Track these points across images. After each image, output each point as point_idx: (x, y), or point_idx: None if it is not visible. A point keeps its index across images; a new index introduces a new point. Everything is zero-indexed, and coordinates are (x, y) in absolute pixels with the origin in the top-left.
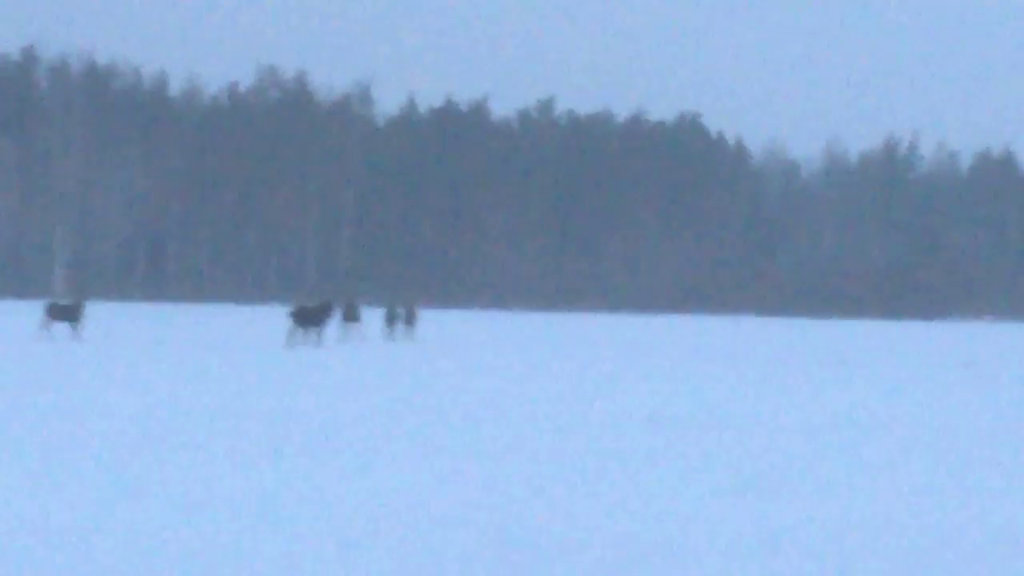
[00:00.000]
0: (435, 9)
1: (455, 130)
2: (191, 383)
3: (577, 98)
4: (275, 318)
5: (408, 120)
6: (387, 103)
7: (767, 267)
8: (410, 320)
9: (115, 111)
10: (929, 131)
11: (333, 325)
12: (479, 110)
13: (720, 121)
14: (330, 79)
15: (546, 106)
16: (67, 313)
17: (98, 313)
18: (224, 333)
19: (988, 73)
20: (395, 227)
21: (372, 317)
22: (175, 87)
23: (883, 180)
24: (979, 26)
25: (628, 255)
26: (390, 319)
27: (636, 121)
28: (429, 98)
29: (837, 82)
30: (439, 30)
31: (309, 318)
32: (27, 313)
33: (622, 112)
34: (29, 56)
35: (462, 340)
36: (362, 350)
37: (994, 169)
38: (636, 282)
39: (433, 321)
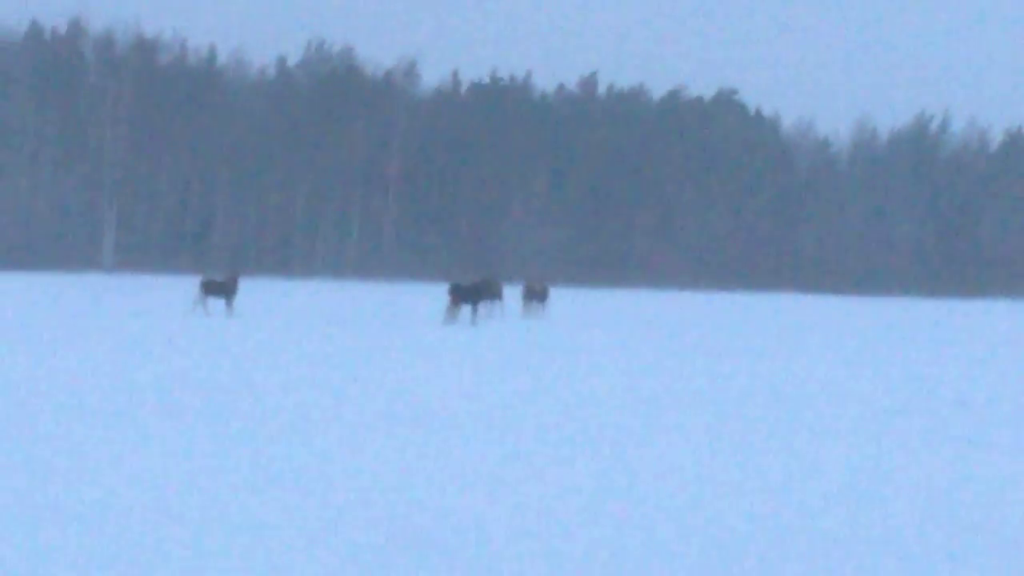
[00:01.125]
0: None
1: (498, 105)
2: (372, 359)
3: (617, 73)
4: (379, 294)
5: (452, 95)
6: (431, 78)
7: (802, 244)
8: (543, 297)
9: (163, 84)
10: (960, 108)
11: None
12: (523, 86)
13: (756, 97)
14: (376, 54)
15: (588, 82)
16: (222, 288)
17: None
18: (347, 309)
19: (1019, 50)
20: (438, 202)
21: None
22: (222, 60)
23: (913, 158)
24: (1009, 3)
25: (664, 230)
26: (528, 296)
27: (674, 96)
28: (473, 73)
29: (867, 60)
30: (483, 6)
31: (466, 295)
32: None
33: (661, 87)
34: (76, 29)
35: (594, 318)
36: (510, 325)
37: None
38: (672, 258)
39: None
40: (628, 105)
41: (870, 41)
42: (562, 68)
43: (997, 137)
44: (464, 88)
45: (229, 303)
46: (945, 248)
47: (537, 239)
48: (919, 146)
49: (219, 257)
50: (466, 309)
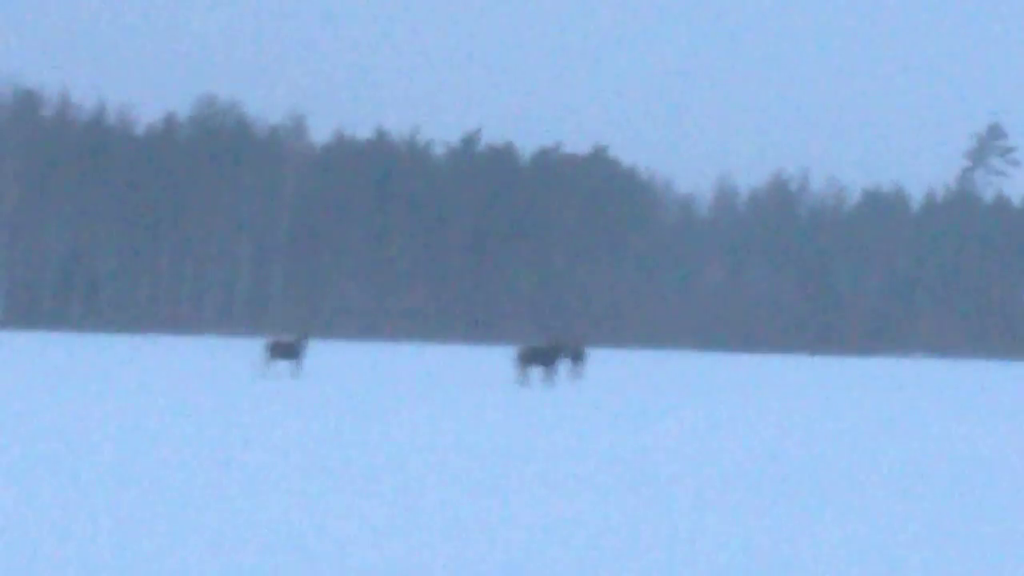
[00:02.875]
0: (365, 41)
1: (386, 161)
2: (459, 420)
3: (500, 130)
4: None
5: (338, 152)
6: (320, 134)
7: (676, 300)
8: (578, 358)
9: (49, 139)
10: (818, 166)
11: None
12: (408, 141)
13: (628, 154)
14: (264, 110)
15: (470, 139)
16: (289, 351)
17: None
18: (405, 370)
19: (878, 109)
20: (326, 258)
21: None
22: (110, 115)
23: (772, 215)
24: (867, 63)
25: (544, 287)
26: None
27: (552, 153)
28: (362, 129)
29: (728, 118)
30: (370, 63)
31: (541, 357)
32: None
33: (535, 144)
34: None
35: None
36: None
37: (883, 205)
38: (548, 313)
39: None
40: (504, 162)
41: (733, 99)
42: (446, 124)
43: (855, 195)
44: (353, 143)
45: (296, 365)
46: (804, 304)
47: (409, 296)
48: (778, 203)
49: (109, 314)
50: (539, 371)
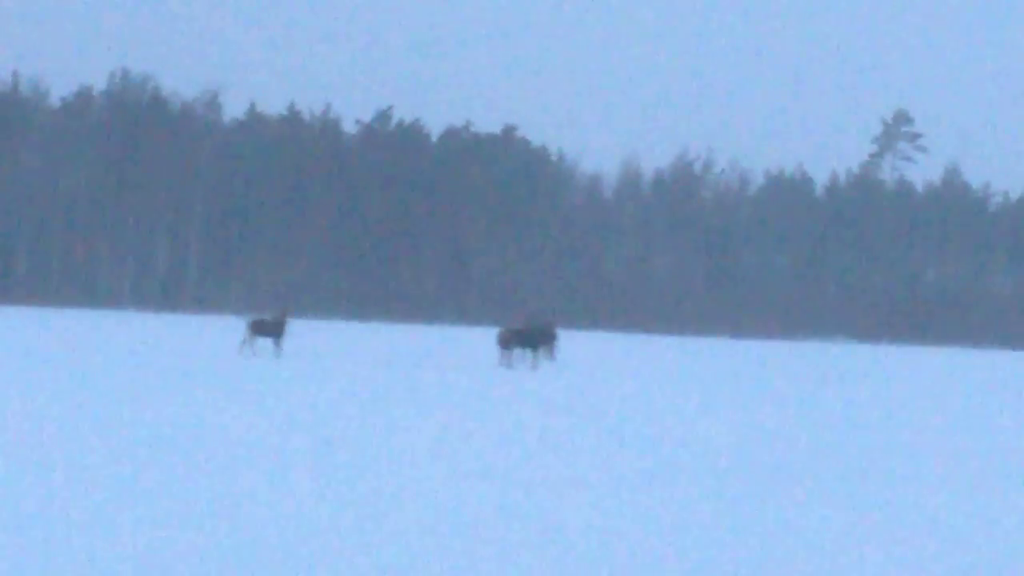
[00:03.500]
0: (278, 17)
1: (298, 138)
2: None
3: (408, 109)
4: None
5: (253, 127)
6: (234, 109)
7: (575, 281)
8: (551, 339)
9: None
10: (723, 148)
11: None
12: (321, 119)
13: (538, 134)
14: (179, 85)
15: (383, 116)
16: (271, 328)
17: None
18: (380, 348)
19: (784, 92)
20: (240, 235)
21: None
22: (25, 87)
23: (676, 197)
24: (773, 46)
25: (454, 267)
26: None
27: (461, 132)
28: (275, 105)
29: (634, 98)
30: (283, 39)
31: (527, 339)
32: None
33: (445, 123)
34: None
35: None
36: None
37: (787, 188)
38: (462, 294)
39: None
40: (417, 141)
41: (640, 79)
42: (360, 102)
43: (758, 178)
44: (262, 121)
45: (277, 343)
46: (708, 286)
47: (326, 274)
48: (683, 185)
49: (23, 288)
50: (521, 353)
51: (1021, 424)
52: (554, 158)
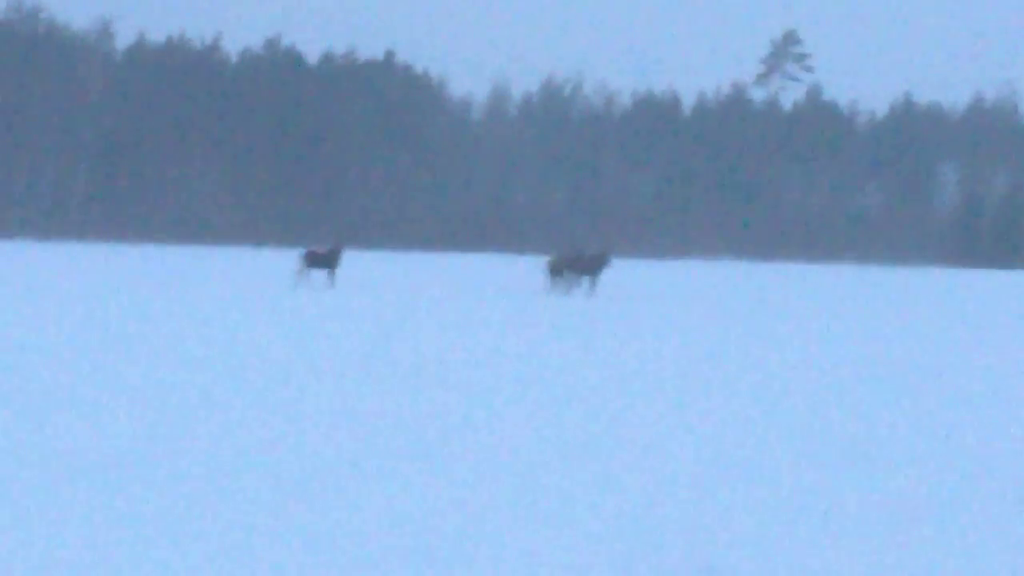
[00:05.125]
0: None
1: (185, 67)
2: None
3: (300, 35)
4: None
5: (141, 56)
6: (124, 38)
7: (449, 203)
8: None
9: None
10: (591, 71)
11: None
12: (211, 47)
13: (419, 59)
14: (70, 14)
15: (272, 44)
16: (324, 260)
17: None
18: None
19: (654, 14)
20: (131, 163)
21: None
22: None
23: (545, 120)
24: None
25: (338, 192)
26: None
27: (343, 58)
28: (162, 33)
29: (502, 21)
30: None
31: (583, 267)
32: None
33: (330, 48)
34: None
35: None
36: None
37: (655, 109)
38: (346, 218)
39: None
40: (297, 67)
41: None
42: (249, 30)
43: (625, 100)
44: (151, 49)
45: (331, 275)
46: (572, 208)
47: (219, 202)
48: (551, 108)
49: None
50: (579, 280)
51: (888, 333)
52: (430, 83)
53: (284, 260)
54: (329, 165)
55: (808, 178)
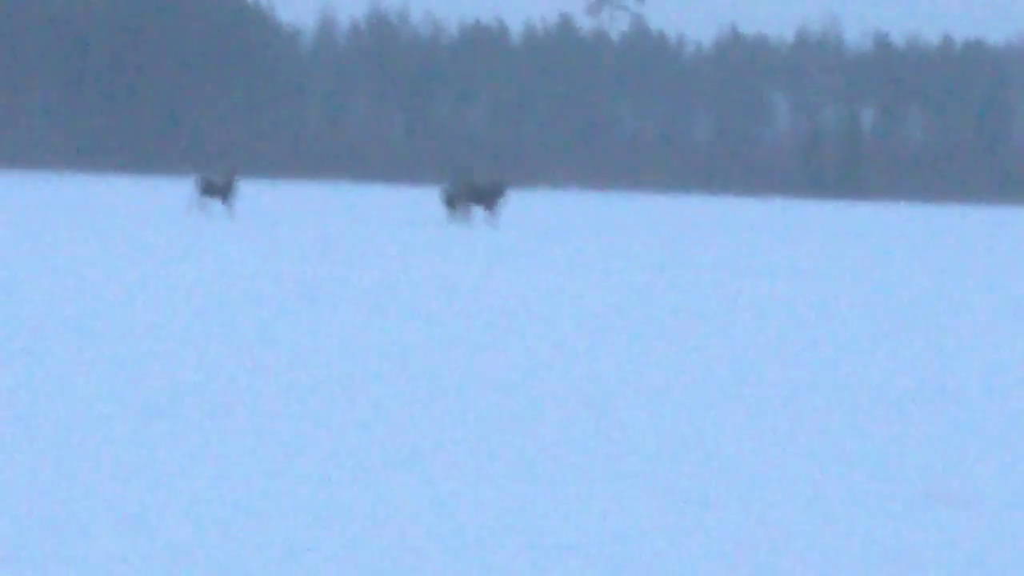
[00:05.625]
0: None
1: None
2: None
3: None
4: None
5: None
6: None
7: (283, 134)
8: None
9: None
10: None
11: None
12: None
13: None
14: None
15: None
16: (220, 189)
17: None
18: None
19: None
20: None
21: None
22: None
23: (375, 49)
24: None
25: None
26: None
27: None
28: None
29: None
30: None
31: (479, 197)
32: None
33: None
34: None
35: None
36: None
37: (483, 38)
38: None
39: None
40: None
41: None
42: None
43: (452, 28)
44: None
45: (228, 204)
46: (406, 136)
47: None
48: (379, 37)
49: None
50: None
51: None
52: (261, 9)
53: (135, 188)
54: (164, 93)
55: (639, 109)
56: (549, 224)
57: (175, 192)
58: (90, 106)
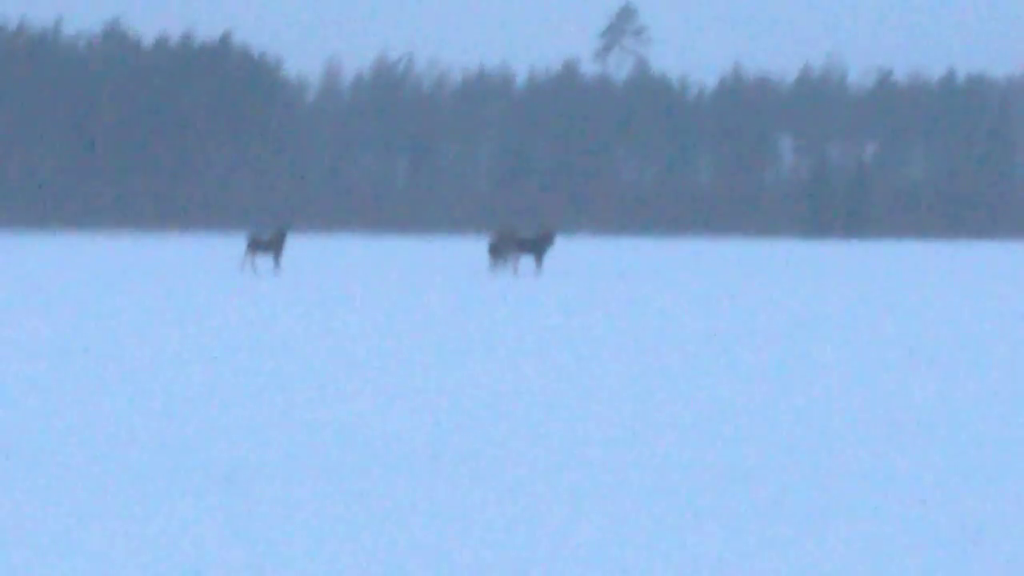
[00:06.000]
0: None
1: (27, 51)
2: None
3: (141, 21)
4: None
5: None
6: None
7: (289, 185)
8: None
9: None
10: (423, 48)
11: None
12: (53, 30)
13: (258, 41)
14: None
15: (111, 30)
16: (269, 246)
17: None
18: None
19: None
20: None
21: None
22: None
23: (379, 99)
24: None
25: (180, 176)
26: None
27: (182, 40)
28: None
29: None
30: None
31: (531, 246)
32: None
33: (173, 32)
34: None
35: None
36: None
37: (487, 86)
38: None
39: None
40: (140, 51)
41: None
42: (91, 16)
43: (457, 76)
44: None
45: (276, 260)
46: (410, 185)
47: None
48: (384, 87)
49: None
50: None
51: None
52: (268, 64)
53: (157, 246)
54: (174, 151)
55: (643, 152)
56: (575, 269)
57: (198, 247)
58: (101, 165)
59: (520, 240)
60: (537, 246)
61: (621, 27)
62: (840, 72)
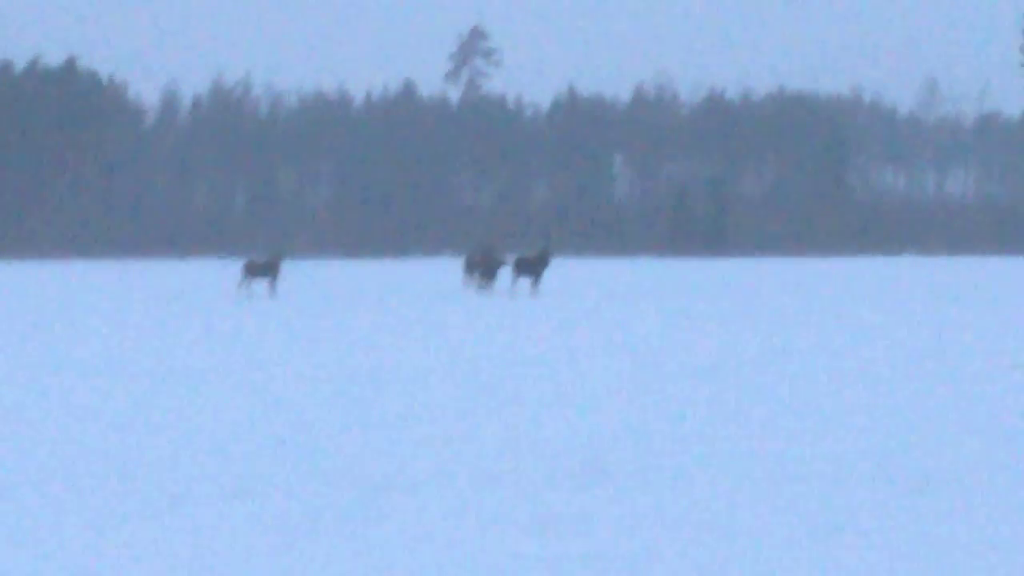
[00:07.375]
0: None
1: None
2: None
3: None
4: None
5: None
6: None
7: (132, 212)
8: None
9: None
10: (260, 72)
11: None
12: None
13: (106, 65)
14: None
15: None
16: (264, 270)
17: None
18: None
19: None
20: None
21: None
22: None
23: (216, 123)
24: None
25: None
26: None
27: (28, 67)
28: None
29: (173, 23)
30: None
31: (529, 267)
32: None
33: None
34: None
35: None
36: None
37: (324, 109)
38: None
39: None
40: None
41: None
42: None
43: (294, 99)
44: None
45: (272, 284)
46: (253, 210)
47: None
48: (221, 111)
49: None
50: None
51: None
52: (114, 89)
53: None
54: (17, 175)
55: (480, 174)
56: (418, 291)
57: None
58: None
59: (519, 260)
60: (536, 266)
61: (472, 48)
62: (672, 92)
